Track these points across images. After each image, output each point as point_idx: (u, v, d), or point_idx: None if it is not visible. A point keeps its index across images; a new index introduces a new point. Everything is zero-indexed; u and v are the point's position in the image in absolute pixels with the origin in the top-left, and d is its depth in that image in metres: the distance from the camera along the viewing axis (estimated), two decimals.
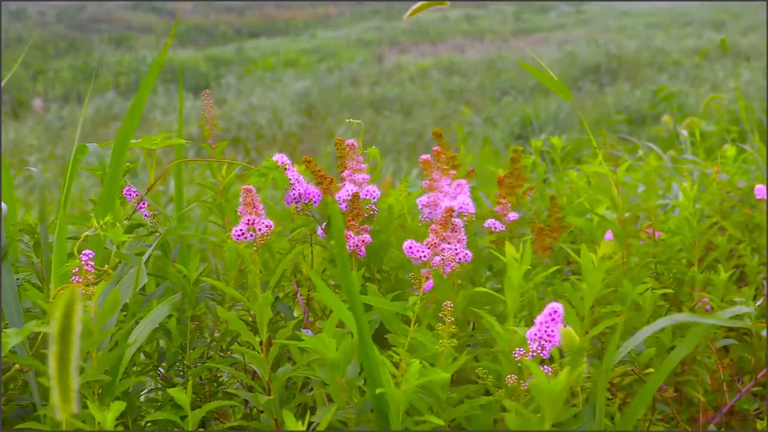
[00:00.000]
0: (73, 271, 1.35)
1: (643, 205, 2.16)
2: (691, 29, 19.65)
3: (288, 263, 1.65)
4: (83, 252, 1.36)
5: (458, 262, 1.58)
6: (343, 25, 24.51)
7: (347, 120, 2.00)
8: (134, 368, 1.69)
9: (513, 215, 2.00)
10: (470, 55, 18.45)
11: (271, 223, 1.55)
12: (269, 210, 1.98)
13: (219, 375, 1.80)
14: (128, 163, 1.82)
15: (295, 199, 1.79)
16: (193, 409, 1.39)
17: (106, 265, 1.47)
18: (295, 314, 1.84)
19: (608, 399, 1.66)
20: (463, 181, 1.89)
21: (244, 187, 1.55)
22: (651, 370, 1.69)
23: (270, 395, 1.50)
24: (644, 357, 1.67)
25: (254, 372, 1.67)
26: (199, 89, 15.95)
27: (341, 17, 25.90)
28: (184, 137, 1.95)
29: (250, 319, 1.77)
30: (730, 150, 2.76)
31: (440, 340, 1.36)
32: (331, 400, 1.54)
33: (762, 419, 1.91)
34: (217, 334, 1.80)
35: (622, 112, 11.90)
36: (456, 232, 1.60)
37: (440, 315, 1.37)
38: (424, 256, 1.53)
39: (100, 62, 18.92)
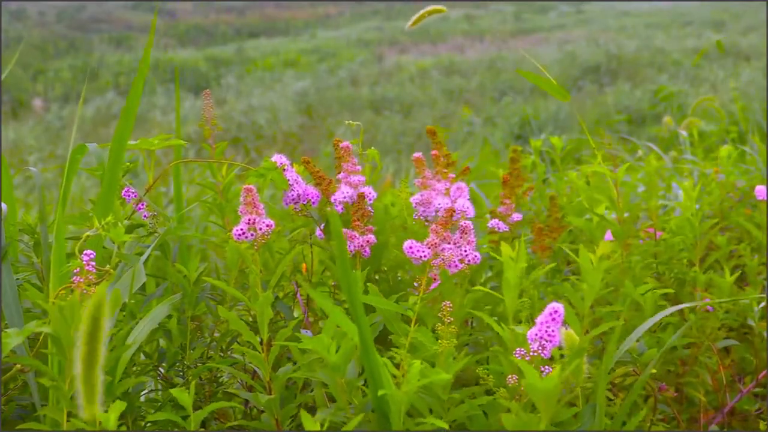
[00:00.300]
0: (74, 270, 1.35)
1: (644, 205, 2.16)
2: (691, 29, 19.65)
3: (288, 263, 1.65)
4: (84, 252, 1.36)
5: (467, 264, 1.59)
6: (343, 25, 24.52)
7: (347, 122, 2.00)
8: (134, 368, 1.69)
9: (517, 216, 2.00)
10: (470, 55, 18.45)
11: (272, 222, 1.55)
12: (269, 210, 1.98)
13: (219, 375, 1.80)
14: (128, 164, 1.82)
15: (293, 199, 1.78)
16: (193, 409, 1.39)
17: (107, 265, 1.47)
18: (295, 314, 1.84)
19: (609, 399, 1.66)
20: (463, 185, 1.89)
21: (244, 186, 1.55)
22: (653, 370, 1.69)
23: (271, 395, 1.50)
24: (646, 357, 1.66)
25: (254, 372, 1.67)
26: (199, 89, 15.96)
27: (341, 17, 25.91)
28: (183, 137, 1.95)
29: (250, 319, 1.77)
30: (723, 150, 2.77)
31: (441, 341, 1.36)
32: (332, 401, 1.54)
33: (763, 419, 1.91)
34: (217, 334, 1.80)
35: (622, 112, 11.89)
36: (466, 233, 1.60)
37: (440, 315, 1.37)
38: (425, 256, 1.53)
39: (100, 62, 18.92)
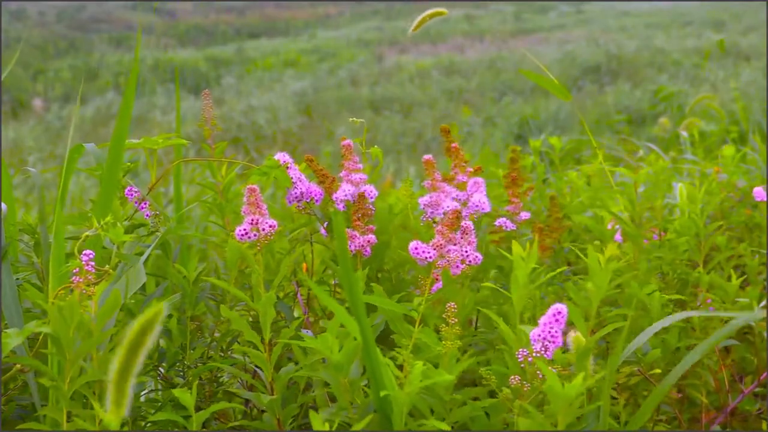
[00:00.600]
0: (74, 270, 1.35)
1: (649, 204, 2.15)
2: (691, 29, 19.64)
3: (290, 263, 1.64)
4: (83, 252, 1.35)
5: (468, 265, 1.58)
6: (343, 25, 24.51)
7: (351, 119, 2.00)
8: None
9: (525, 215, 2.00)
10: (470, 55, 18.45)
11: (275, 222, 1.55)
12: (268, 209, 1.98)
13: (219, 375, 1.80)
14: (129, 163, 1.82)
15: (296, 198, 1.78)
16: (195, 410, 1.39)
17: (107, 266, 1.46)
18: (296, 314, 1.84)
19: (613, 399, 1.66)
20: (480, 180, 1.88)
21: (247, 186, 1.55)
22: (657, 370, 1.68)
23: (273, 395, 1.49)
24: (650, 357, 1.66)
25: (254, 372, 1.67)
26: (199, 89, 15.94)
27: (341, 17, 25.90)
28: (183, 137, 1.95)
29: (250, 319, 1.76)
30: (728, 150, 2.76)
31: (444, 342, 1.36)
32: (333, 401, 1.53)
33: (764, 419, 1.90)
34: (217, 334, 1.80)
35: (622, 112, 11.89)
36: (467, 234, 1.60)
37: (444, 316, 1.37)
38: (430, 257, 1.52)
39: (100, 62, 18.91)
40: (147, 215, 1.84)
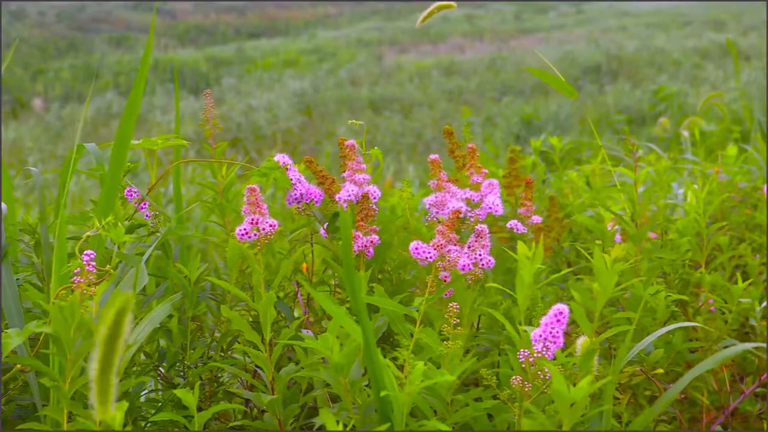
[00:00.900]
0: (75, 271, 1.35)
1: (651, 204, 2.15)
2: (691, 29, 19.64)
3: (291, 264, 1.64)
4: (84, 252, 1.35)
5: (482, 268, 1.58)
6: (343, 25, 24.51)
7: (350, 121, 2.00)
8: (134, 368, 1.69)
9: (536, 218, 1.98)
10: (470, 55, 18.45)
11: (275, 222, 1.55)
12: (269, 210, 1.98)
13: (219, 375, 1.80)
14: (129, 164, 1.82)
15: (296, 199, 1.78)
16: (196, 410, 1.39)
17: (108, 266, 1.46)
18: (296, 314, 1.84)
19: (615, 398, 1.66)
20: (494, 181, 1.88)
21: (248, 186, 1.55)
22: (660, 370, 1.68)
23: (273, 395, 1.49)
24: (653, 357, 1.66)
25: (254, 372, 1.66)
26: (199, 89, 15.95)
27: (341, 17, 25.90)
28: (183, 137, 1.95)
29: (250, 319, 1.76)
30: (731, 150, 2.75)
31: (446, 342, 1.36)
32: (334, 401, 1.53)
33: (765, 420, 1.90)
34: (217, 334, 1.80)
35: (622, 112, 11.89)
36: (481, 238, 1.60)
37: (446, 316, 1.36)
38: (430, 258, 1.52)
39: (100, 62, 18.91)
40: (147, 215, 1.84)
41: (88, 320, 1.30)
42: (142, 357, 1.77)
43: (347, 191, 1.76)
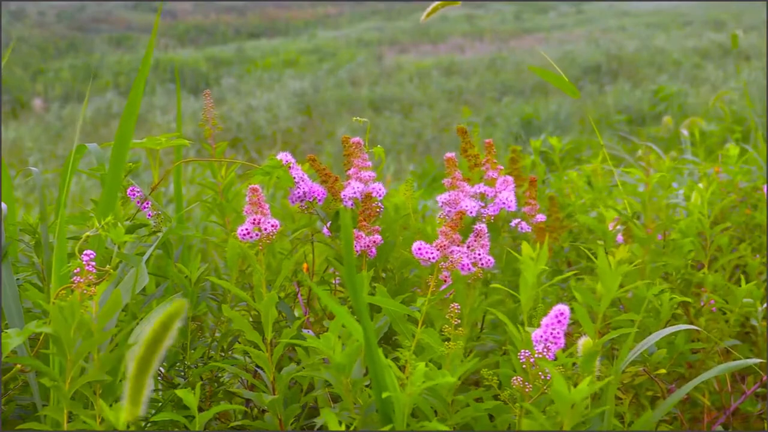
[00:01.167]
0: (75, 271, 1.34)
1: (657, 206, 2.15)
2: (691, 29, 19.64)
3: (293, 264, 1.64)
4: (84, 252, 1.35)
5: (481, 268, 1.58)
6: (343, 25, 24.51)
7: (354, 118, 1.99)
8: None
9: (541, 217, 1.98)
10: (470, 55, 18.44)
11: (277, 222, 1.54)
12: (270, 210, 1.98)
13: (220, 375, 1.80)
14: (130, 164, 1.82)
15: (299, 197, 1.78)
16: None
17: (108, 266, 1.46)
18: (296, 314, 1.84)
19: (618, 399, 1.66)
20: (509, 178, 1.88)
21: (250, 186, 1.54)
22: (662, 370, 1.68)
23: (274, 395, 1.49)
24: (656, 357, 1.66)
25: (255, 372, 1.66)
26: (199, 89, 15.95)
27: (341, 17, 25.90)
28: (183, 137, 1.95)
29: (251, 319, 1.76)
30: (732, 149, 2.75)
31: (447, 343, 1.36)
32: (335, 401, 1.53)
33: (766, 420, 1.90)
34: (218, 334, 1.80)
35: (622, 112, 11.89)
36: (480, 237, 1.60)
37: (448, 316, 1.36)
38: (433, 258, 1.52)
39: (100, 62, 18.91)
40: (149, 215, 1.84)
41: (88, 320, 1.30)
42: None
43: (353, 188, 1.75)
